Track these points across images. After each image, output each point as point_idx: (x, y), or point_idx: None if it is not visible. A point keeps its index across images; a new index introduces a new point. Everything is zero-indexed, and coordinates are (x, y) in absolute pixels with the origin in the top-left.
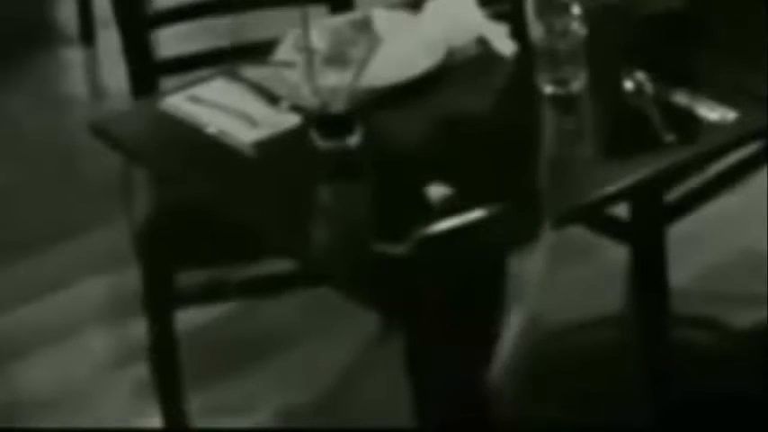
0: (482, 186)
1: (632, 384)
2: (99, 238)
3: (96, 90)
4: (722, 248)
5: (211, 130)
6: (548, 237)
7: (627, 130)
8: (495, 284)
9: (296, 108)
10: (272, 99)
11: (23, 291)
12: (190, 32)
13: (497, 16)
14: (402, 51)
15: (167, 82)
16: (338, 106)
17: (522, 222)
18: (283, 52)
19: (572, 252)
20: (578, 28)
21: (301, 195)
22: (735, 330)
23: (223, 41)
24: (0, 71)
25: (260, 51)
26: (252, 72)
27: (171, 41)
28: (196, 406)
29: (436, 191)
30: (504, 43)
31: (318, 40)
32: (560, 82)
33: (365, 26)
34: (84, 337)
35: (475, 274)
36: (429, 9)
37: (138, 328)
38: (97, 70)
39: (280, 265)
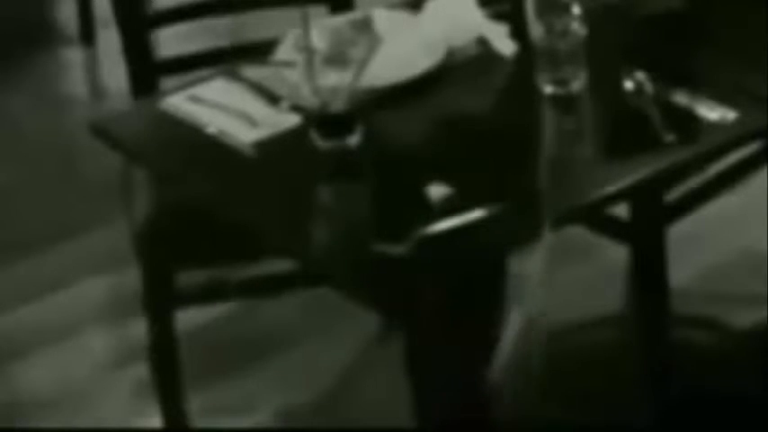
0: (482, 186)
1: (632, 384)
2: (99, 238)
3: (96, 90)
4: (722, 248)
5: (211, 130)
6: (548, 237)
7: (627, 130)
8: (495, 284)
9: (296, 108)
10: (272, 99)
11: (23, 291)
12: (190, 32)
13: (497, 16)
14: (402, 51)
15: (167, 82)
16: (338, 106)
17: (522, 222)
18: (283, 52)
19: (572, 252)
20: (578, 28)
21: (301, 195)
22: (735, 330)
23: (223, 41)
24: (0, 71)
25: (260, 51)
26: (252, 72)
27: (171, 41)
28: (196, 406)
29: (436, 191)
30: (504, 43)
31: (318, 40)
32: (560, 82)
33: (365, 26)
34: (84, 337)
35: (475, 274)
36: (429, 9)
37: (138, 328)
38: (97, 70)
39: (280, 265)
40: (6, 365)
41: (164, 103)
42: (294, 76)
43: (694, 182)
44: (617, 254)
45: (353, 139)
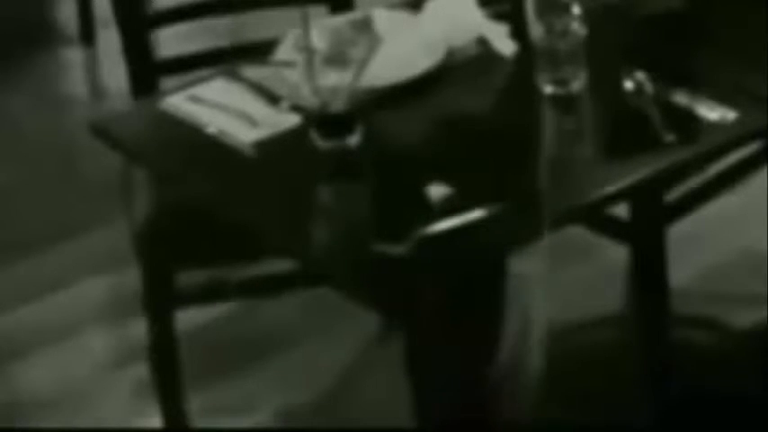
0: (482, 186)
1: (632, 384)
2: (99, 238)
3: (96, 90)
4: (722, 248)
5: (211, 130)
6: (548, 237)
7: (627, 130)
8: (495, 284)
9: (296, 108)
10: (272, 99)
11: (23, 291)
12: (190, 32)
13: (497, 16)
14: (402, 51)
15: (167, 82)
16: (338, 106)
17: (522, 222)
18: (283, 52)
19: (572, 252)
20: (578, 28)
21: (301, 195)
22: (735, 330)
23: (223, 41)
24: (0, 71)
25: (260, 51)
26: (252, 72)
27: (171, 41)
28: (196, 406)
29: (436, 191)
30: (504, 43)
31: (318, 40)
32: (560, 82)
33: (365, 26)
34: (84, 337)
35: (475, 274)
36: (429, 9)
37: (138, 328)
38: (97, 70)
39: (280, 265)
40: (6, 365)
41: (164, 103)
42: (294, 76)
43: (694, 182)
44: (617, 254)
45: (353, 139)
